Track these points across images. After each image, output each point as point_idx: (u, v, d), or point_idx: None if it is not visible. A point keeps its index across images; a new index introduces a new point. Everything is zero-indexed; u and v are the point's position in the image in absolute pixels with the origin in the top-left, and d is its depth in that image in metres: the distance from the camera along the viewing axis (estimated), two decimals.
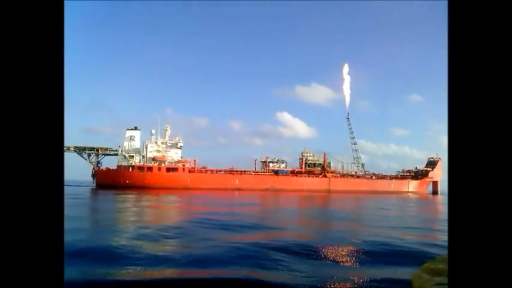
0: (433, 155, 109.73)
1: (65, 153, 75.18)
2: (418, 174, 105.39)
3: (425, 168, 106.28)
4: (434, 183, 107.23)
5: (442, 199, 69.12)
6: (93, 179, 79.70)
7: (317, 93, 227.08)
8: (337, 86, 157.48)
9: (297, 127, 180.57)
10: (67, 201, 26.10)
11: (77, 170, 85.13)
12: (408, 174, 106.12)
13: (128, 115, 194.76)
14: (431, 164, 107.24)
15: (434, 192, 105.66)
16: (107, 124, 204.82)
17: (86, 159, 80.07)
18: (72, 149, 77.50)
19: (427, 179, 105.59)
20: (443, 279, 1.40)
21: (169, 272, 9.14)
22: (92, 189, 68.66)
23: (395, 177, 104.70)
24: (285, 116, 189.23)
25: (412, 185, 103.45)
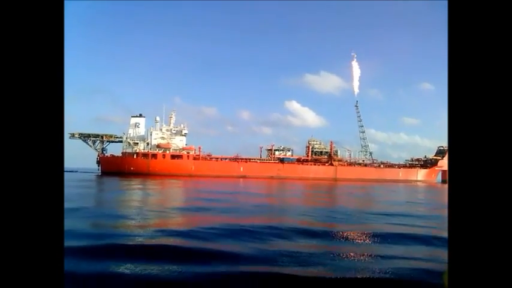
0: (443, 144, 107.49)
1: (70, 140, 75.52)
2: (427, 163, 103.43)
3: (435, 157, 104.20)
4: (444, 172, 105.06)
5: None
6: (98, 166, 79.88)
7: (326, 82, 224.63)
8: (346, 74, 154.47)
9: (306, 116, 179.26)
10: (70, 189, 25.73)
11: (82, 157, 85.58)
12: (417, 163, 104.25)
13: (137, 104, 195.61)
14: (441, 153, 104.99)
15: (444, 181, 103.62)
16: (116, 113, 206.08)
17: (90, 146, 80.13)
18: (76, 135, 77.49)
19: (436, 168, 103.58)
20: None
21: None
22: (97, 176, 68.79)
23: (404, 166, 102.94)
24: (294, 105, 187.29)
25: (421, 174, 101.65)
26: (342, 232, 13.07)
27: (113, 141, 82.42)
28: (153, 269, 8.13)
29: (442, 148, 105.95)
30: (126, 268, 8.15)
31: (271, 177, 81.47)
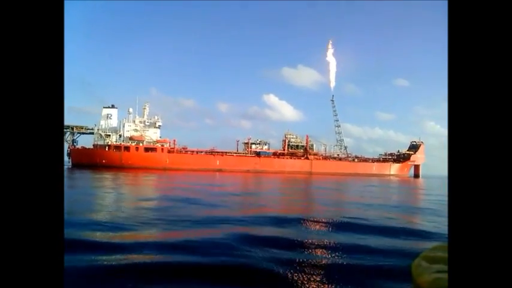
0: (416, 139, 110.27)
1: None
2: (400, 158, 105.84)
3: (408, 152, 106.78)
4: (416, 167, 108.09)
5: (423, 182, 69.59)
6: (69, 158, 77.13)
7: (304, 76, 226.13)
8: (323, 68, 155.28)
9: (284, 110, 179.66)
10: None
11: None
12: (390, 157, 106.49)
13: (112, 95, 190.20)
14: (414, 147, 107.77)
15: (416, 175, 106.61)
16: (89, 103, 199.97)
17: None
18: None
19: (409, 163, 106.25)
20: (442, 267, 1.40)
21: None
22: (68, 168, 66.32)
23: (378, 160, 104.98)
24: (272, 99, 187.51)
25: (394, 168, 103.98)
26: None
27: (83, 133, 79.69)
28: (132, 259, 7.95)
29: (414, 143, 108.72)
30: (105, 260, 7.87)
31: (248, 171, 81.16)
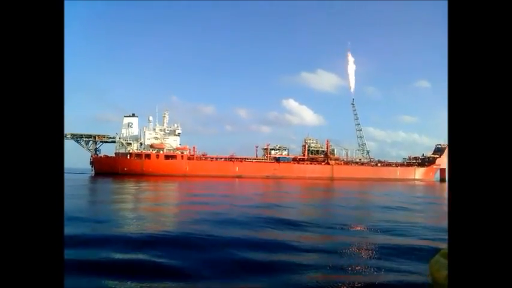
0: (441, 142, 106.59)
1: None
2: (425, 162, 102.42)
3: (433, 155, 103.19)
4: (442, 171, 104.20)
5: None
6: (92, 167, 78.62)
7: (323, 80, 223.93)
8: (343, 72, 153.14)
9: (304, 114, 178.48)
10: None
11: (75, 158, 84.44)
12: (415, 161, 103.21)
13: (134, 103, 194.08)
14: (439, 150, 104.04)
15: (442, 179, 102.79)
16: (112, 112, 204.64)
17: (83, 147, 78.75)
18: (69, 136, 76.06)
19: (434, 166, 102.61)
20: None
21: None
22: (91, 177, 67.41)
23: (402, 165, 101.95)
24: (291, 103, 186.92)
25: (419, 173, 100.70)
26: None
27: (106, 142, 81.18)
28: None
29: (439, 146, 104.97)
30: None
31: (267, 177, 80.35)
